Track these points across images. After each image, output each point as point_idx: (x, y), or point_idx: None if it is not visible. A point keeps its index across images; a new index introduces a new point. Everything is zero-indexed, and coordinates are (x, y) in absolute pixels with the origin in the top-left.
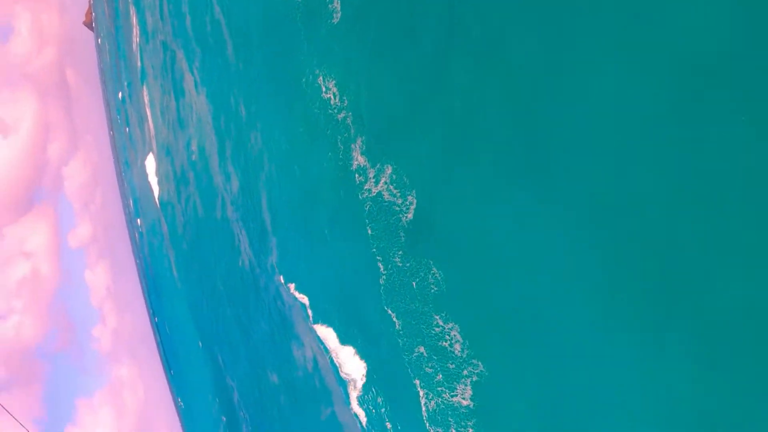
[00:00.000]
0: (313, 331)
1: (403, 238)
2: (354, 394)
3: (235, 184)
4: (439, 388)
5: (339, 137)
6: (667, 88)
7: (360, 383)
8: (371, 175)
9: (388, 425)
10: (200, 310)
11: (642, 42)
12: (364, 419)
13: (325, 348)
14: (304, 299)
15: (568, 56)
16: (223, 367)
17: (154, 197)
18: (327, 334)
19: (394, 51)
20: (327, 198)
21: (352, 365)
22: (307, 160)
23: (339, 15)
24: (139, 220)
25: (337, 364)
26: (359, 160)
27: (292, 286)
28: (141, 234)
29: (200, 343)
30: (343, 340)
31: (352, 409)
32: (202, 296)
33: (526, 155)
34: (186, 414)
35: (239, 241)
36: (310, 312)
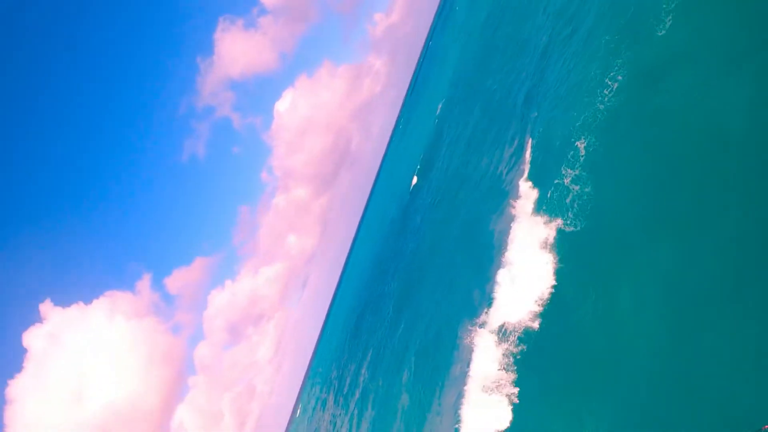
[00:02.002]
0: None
1: (552, 231)
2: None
3: (541, 44)
4: (493, 370)
5: (587, 113)
6: None
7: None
8: (575, 171)
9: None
10: (455, 94)
11: None
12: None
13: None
14: (531, 192)
15: None
16: (438, 158)
17: None
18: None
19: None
20: (550, 138)
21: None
22: (570, 97)
23: (664, 31)
24: None
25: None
26: (581, 147)
27: (525, 169)
28: None
29: (437, 120)
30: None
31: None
32: (463, 90)
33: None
34: (395, 139)
35: (516, 86)
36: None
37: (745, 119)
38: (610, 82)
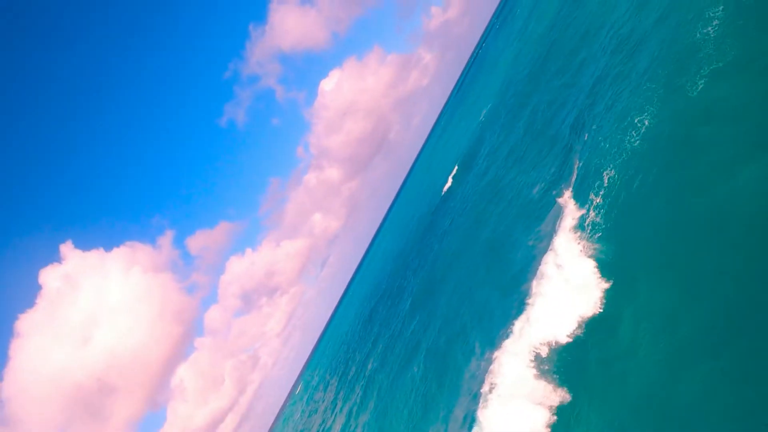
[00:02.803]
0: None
1: (583, 254)
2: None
3: (596, 73)
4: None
5: (616, 149)
6: None
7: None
8: (597, 198)
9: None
10: (501, 102)
11: None
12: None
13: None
14: (572, 209)
15: None
16: (476, 165)
17: None
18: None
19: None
20: (585, 165)
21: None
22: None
23: (695, 93)
24: None
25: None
26: (606, 178)
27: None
28: None
29: (480, 125)
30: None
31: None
32: (510, 100)
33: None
34: (434, 136)
35: (565, 109)
36: (563, 222)
37: (758, 194)
38: (639, 125)
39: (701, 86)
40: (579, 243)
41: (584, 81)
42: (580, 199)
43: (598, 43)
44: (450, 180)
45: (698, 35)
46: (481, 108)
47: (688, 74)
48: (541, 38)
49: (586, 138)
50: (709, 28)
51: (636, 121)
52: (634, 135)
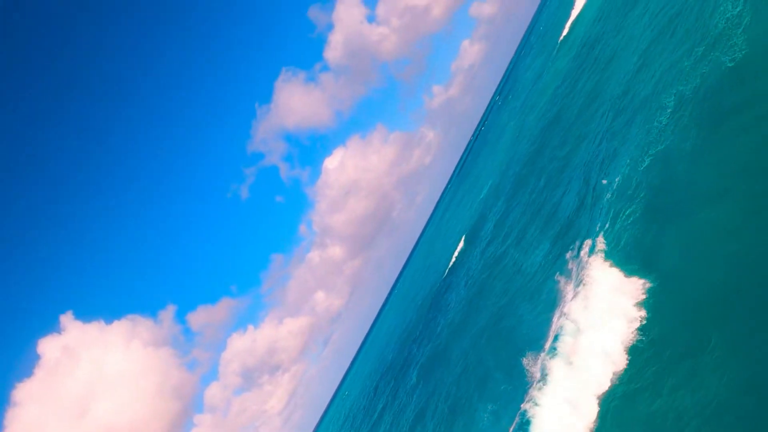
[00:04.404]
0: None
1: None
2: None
3: (590, 152)
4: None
5: (603, 216)
6: None
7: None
8: (587, 270)
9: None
10: (502, 181)
11: None
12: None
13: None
14: (576, 280)
15: None
16: (479, 243)
17: (560, 36)
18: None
19: None
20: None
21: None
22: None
23: (643, 166)
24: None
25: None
26: (592, 250)
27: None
28: (531, 47)
29: (482, 204)
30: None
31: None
32: (511, 178)
33: None
34: (438, 214)
35: (561, 187)
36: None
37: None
38: (633, 199)
39: (648, 162)
40: (587, 312)
41: (581, 156)
42: (584, 270)
43: (591, 123)
44: (454, 257)
45: (656, 123)
46: (483, 186)
47: (639, 151)
48: (541, 114)
49: (585, 212)
50: (663, 117)
51: (630, 195)
52: (608, 196)
